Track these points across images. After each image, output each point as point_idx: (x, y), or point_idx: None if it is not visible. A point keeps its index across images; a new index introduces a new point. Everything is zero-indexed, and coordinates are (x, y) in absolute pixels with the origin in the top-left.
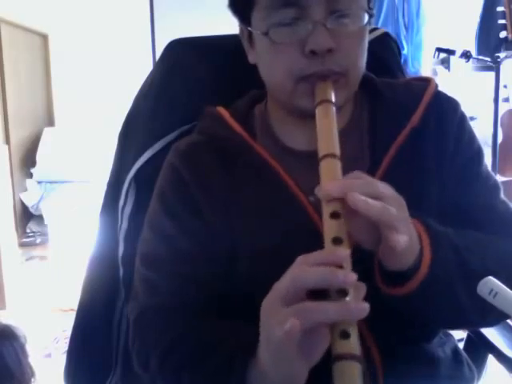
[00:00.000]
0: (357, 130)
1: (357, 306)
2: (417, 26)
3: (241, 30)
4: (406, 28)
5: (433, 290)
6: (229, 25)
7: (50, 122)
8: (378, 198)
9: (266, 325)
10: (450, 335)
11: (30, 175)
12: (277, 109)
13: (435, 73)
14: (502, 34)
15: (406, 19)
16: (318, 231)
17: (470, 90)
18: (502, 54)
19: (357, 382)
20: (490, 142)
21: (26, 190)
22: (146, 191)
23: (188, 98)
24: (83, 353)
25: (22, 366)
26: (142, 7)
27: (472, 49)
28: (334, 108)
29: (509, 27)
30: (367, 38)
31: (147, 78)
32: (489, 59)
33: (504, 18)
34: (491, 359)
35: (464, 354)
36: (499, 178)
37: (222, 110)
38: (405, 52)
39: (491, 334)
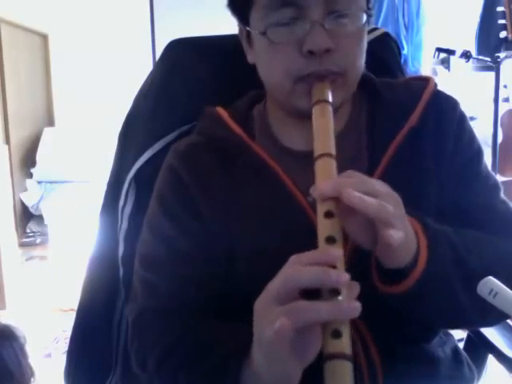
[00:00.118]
0: (355, 130)
1: (349, 305)
2: (417, 26)
3: (240, 29)
4: (406, 28)
5: (430, 287)
6: (229, 25)
7: (50, 122)
8: (374, 196)
9: (258, 325)
10: (450, 335)
11: (30, 175)
12: (276, 109)
13: (435, 73)
14: (502, 34)
15: (406, 19)
16: (316, 232)
17: (470, 90)
18: (502, 54)
19: (348, 381)
20: (489, 141)
21: (26, 190)
22: (145, 191)
23: (188, 98)
24: (83, 353)
25: (22, 366)
26: (142, 7)
27: (472, 49)
28: (330, 108)
29: (509, 27)
30: (366, 38)
31: (147, 78)
32: (489, 59)
33: (504, 18)
34: (491, 359)
35: (464, 354)
36: (499, 178)
37: (221, 111)
38: (405, 52)
39: (491, 333)
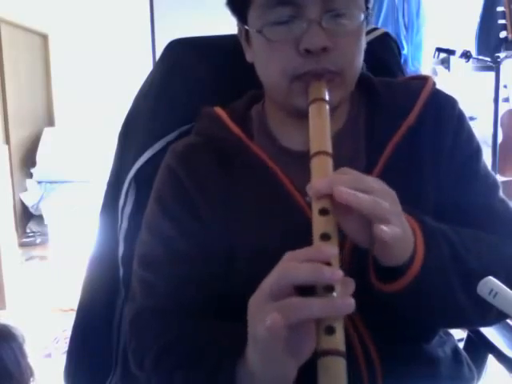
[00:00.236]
0: (354, 130)
1: (343, 301)
2: (417, 26)
3: (239, 28)
4: (406, 28)
5: (428, 285)
6: (229, 25)
7: (50, 122)
8: (369, 193)
9: (251, 322)
10: (450, 335)
11: (30, 175)
12: (274, 109)
13: (435, 73)
14: (502, 34)
15: (406, 19)
16: None
17: (470, 90)
18: (502, 54)
19: (341, 378)
20: (489, 141)
21: (25, 190)
22: (145, 191)
23: (188, 98)
24: (83, 353)
25: (21, 366)
26: (142, 7)
27: (472, 49)
28: (327, 106)
29: (509, 27)
30: (364, 37)
31: (147, 78)
32: (489, 59)
33: (504, 18)
34: (491, 359)
35: (464, 354)
36: (499, 178)
37: (219, 111)
38: (405, 52)
39: (491, 333)
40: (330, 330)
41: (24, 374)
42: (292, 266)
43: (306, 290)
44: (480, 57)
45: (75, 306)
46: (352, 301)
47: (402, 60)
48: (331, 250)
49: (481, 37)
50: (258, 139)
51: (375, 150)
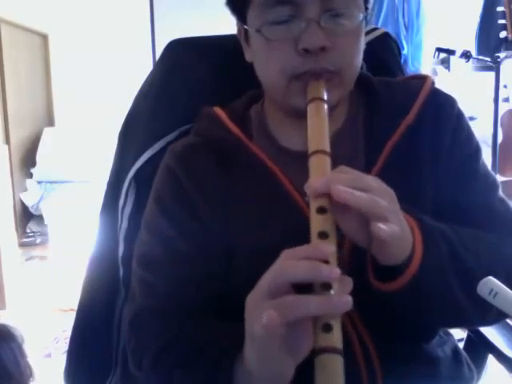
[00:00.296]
0: (352, 130)
1: (340, 299)
2: (417, 26)
3: (238, 28)
4: (406, 28)
5: (426, 284)
6: (229, 25)
7: (50, 122)
8: (367, 191)
9: (248, 320)
10: (450, 335)
11: (30, 175)
12: (273, 109)
13: (435, 73)
14: (502, 34)
15: (406, 19)
16: None
17: (470, 90)
18: (502, 54)
19: (338, 375)
20: (489, 141)
21: (25, 190)
22: (145, 191)
23: (188, 98)
24: (83, 353)
25: (20, 366)
26: (142, 7)
27: (472, 49)
28: (325, 106)
29: (509, 27)
30: (363, 37)
31: (147, 77)
32: (489, 59)
33: (504, 18)
34: (491, 359)
35: (464, 354)
36: (499, 178)
37: (218, 111)
38: (405, 52)
39: (491, 333)
40: (327, 328)
41: (23, 374)
42: (289, 264)
43: (303, 288)
44: (480, 57)
45: (75, 306)
46: (349, 298)
47: (402, 60)
48: (329, 248)
49: (481, 37)
50: (257, 139)
51: (374, 150)
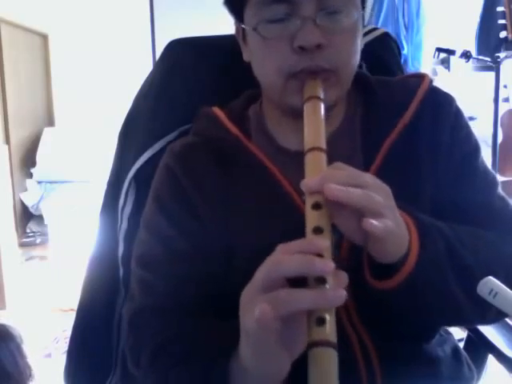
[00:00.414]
0: (350, 129)
1: (334, 293)
2: (417, 26)
3: (236, 28)
4: (406, 28)
5: (422, 281)
6: (228, 25)
7: (50, 122)
8: (362, 187)
9: (243, 315)
10: (450, 334)
11: (30, 175)
12: (271, 109)
13: (435, 73)
14: (502, 34)
15: (406, 19)
16: None
17: (470, 90)
18: (502, 54)
19: (332, 369)
20: (489, 141)
21: (25, 190)
22: (145, 191)
23: (188, 98)
24: (83, 353)
25: (19, 366)
26: (142, 7)
27: (472, 49)
28: (322, 104)
29: (509, 27)
30: (360, 37)
31: (147, 77)
32: (489, 59)
33: (504, 18)
34: (491, 359)
35: (464, 354)
36: (499, 178)
37: (217, 111)
38: (405, 52)
39: (491, 333)
40: (321, 321)
41: (22, 374)
42: (283, 258)
43: (298, 283)
44: (480, 57)
45: (75, 306)
46: (343, 292)
47: (402, 60)
48: (323, 242)
49: (481, 37)
50: (255, 139)
51: (372, 148)
